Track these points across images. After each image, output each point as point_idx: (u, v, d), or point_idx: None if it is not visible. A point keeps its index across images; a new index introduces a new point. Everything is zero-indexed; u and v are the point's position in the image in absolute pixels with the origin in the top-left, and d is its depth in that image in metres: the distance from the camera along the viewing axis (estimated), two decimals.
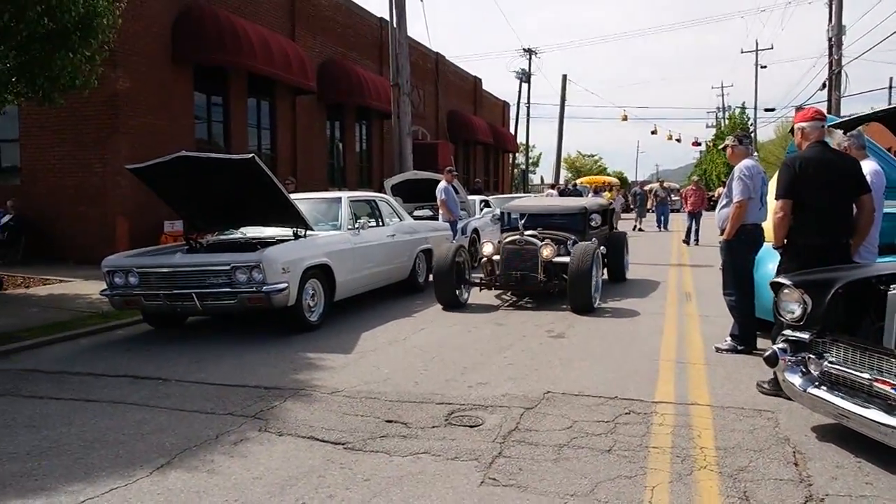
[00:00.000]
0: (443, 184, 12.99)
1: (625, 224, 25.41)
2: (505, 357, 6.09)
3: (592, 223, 9.79)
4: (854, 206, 4.88)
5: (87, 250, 11.92)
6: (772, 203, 5.88)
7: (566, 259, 8.37)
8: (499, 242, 9.03)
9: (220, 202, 7.87)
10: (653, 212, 27.04)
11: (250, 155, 7.04)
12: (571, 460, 3.75)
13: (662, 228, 24.51)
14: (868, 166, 5.20)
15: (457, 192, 13.54)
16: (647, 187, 34.66)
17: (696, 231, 18.78)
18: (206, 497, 3.36)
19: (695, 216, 19.01)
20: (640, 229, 24.66)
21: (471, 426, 4.31)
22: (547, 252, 8.46)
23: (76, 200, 12.73)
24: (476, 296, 9.21)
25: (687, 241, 18.48)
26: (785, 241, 4.94)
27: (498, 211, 11.23)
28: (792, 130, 5.17)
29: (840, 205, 4.83)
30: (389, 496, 3.35)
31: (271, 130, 17.21)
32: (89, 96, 9.93)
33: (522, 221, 9.43)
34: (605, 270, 10.42)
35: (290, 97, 17.42)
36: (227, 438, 4.15)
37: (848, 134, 5.21)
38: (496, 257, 8.89)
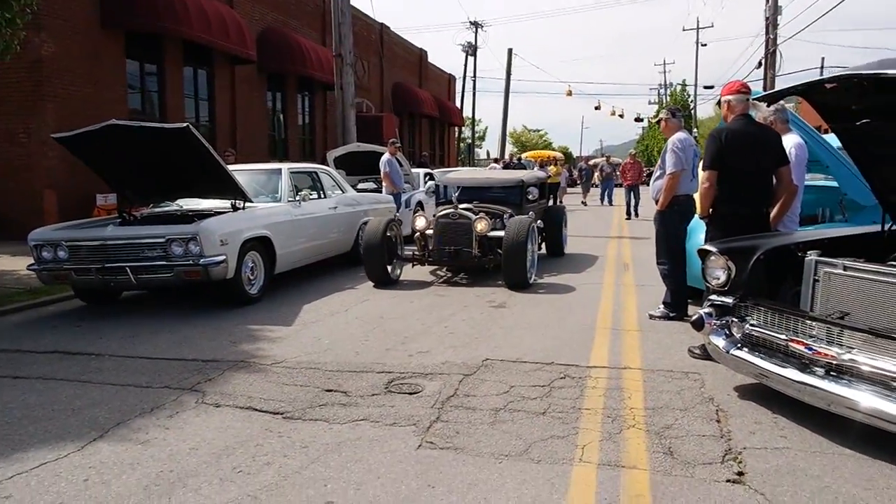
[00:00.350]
0: (386, 156, 12.92)
1: (572, 199, 25.83)
2: (446, 327, 6.17)
3: (530, 196, 9.54)
4: (773, 177, 5.09)
5: (13, 225, 11.44)
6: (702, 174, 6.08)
7: (502, 233, 8.10)
8: (433, 216, 8.81)
9: (154, 174, 7.64)
10: (597, 186, 27.44)
11: (184, 124, 6.85)
12: (507, 423, 3.85)
13: (607, 203, 24.76)
14: (792, 140, 5.42)
15: (401, 165, 13.48)
16: (591, 162, 35.16)
17: (635, 206, 18.87)
18: (139, 468, 3.33)
19: (633, 190, 19.04)
20: (584, 203, 25.10)
21: (410, 393, 4.37)
22: (481, 226, 8.19)
23: (1, 172, 12.16)
24: (409, 272, 8.98)
25: (629, 216, 18.55)
26: (710, 210, 5.14)
27: (433, 184, 10.86)
28: (719, 103, 5.34)
29: (761, 176, 5.03)
30: (327, 462, 3.38)
31: (209, 101, 16.72)
32: (11, 62, 9.44)
33: (456, 194, 9.23)
34: (543, 245, 10.34)
35: (228, 66, 16.94)
36: (163, 411, 4.11)
37: (773, 108, 5.41)
38: (429, 231, 8.60)
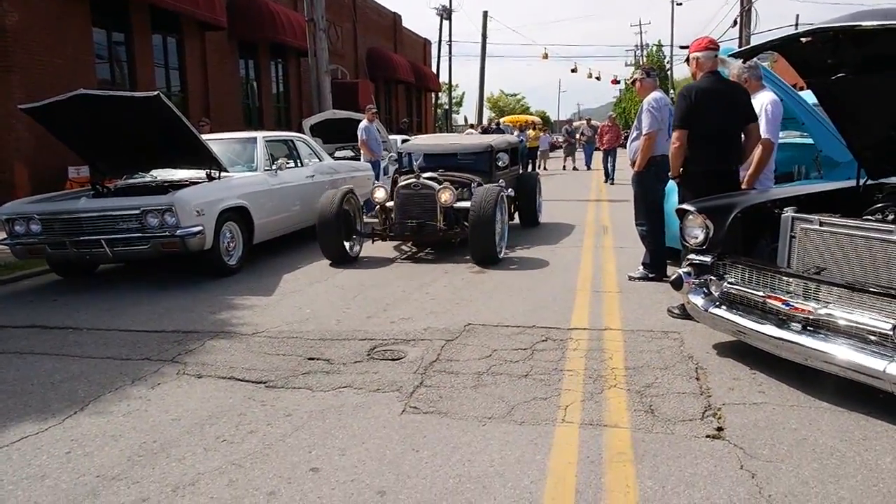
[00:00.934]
0: (364, 123, 12.77)
1: (556, 163, 25.76)
2: (427, 293, 6.17)
3: (499, 163, 8.85)
4: (742, 134, 5.09)
5: None
6: None
7: (468, 204, 7.44)
8: (393, 186, 8.20)
9: (126, 144, 7.48)
10: (580, 150, 26.57)
11: (155, 92, 6.69)
12: (490, 386, 3.88)
13: (585, 167, 24.33)
14: (766, 97, 5.41)
15: (378, 132, 13.34)
16: (575, 125, 34.78)
17: (612, 169, 18.26)
18: (122, 440, 3.31)
19: (610, 154, 18.48)
20: (574, 168, 24.56)
21: (392, 359, 4.38)
22: (445, 196, 7.54)
23: None
24: (369, 248, 8.30)
25: (607, 179, 18.07)
26: (681, 170, 5.14)
27: (395, 153, 9.90)
28: (688, 60, 5.31)
29: (730, 134, 5.04)
30: (311, 429, 3.39)
31: (180, 70, 16.35)
32: None
33: (418, 162, 8.74)
34: (517, 215, 9.93)
35: (198, 33, 16.54)
36: (144, 383, 4.08)
37: (746, 65, 5.40)
38: (390, 204, 8.00)
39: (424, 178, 7.89)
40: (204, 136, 7.80)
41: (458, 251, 7.98)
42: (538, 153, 24.86)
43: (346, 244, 7.61)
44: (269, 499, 2.75)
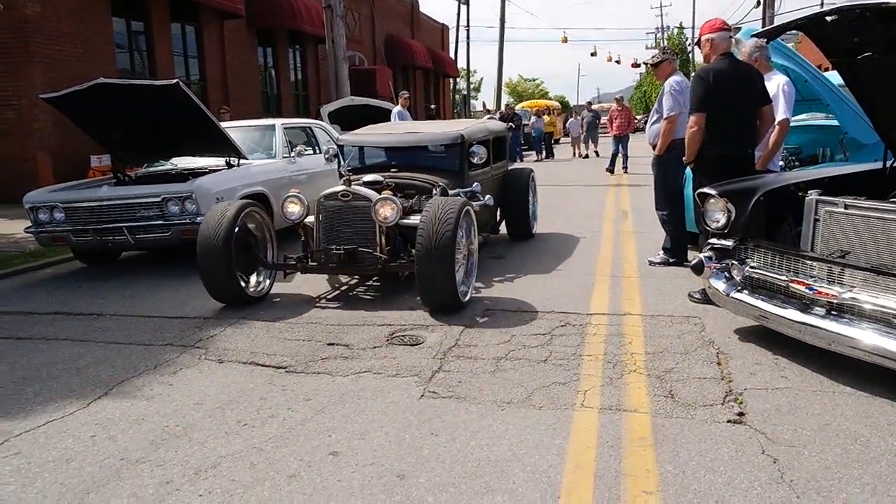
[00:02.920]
0: (397, 108, 12.79)
1: (565, 150, 25.48)
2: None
3: (474, 159, 6.35)
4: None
5: (8, 189, 11.34)
6: None
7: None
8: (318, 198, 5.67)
9: (147, 133, 7.54)
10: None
11: (174, 80, 6.73)
12: (508, 371, 3.87)
13: (588, 154, 22.63)
14: (780, 78, 5.38)
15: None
16: (593, 107, 34.06)
17: (625, 157, 16.73)
18: (145, 423, 3.36)
19: (621, 140, 16.74)
20: (587, 155, 23.11)
21: (411, 345, 4.38)
22: (385, 211, 5.25)
23: None
24: (290, 283, 5.94)
25: (611, 170, 16.25)
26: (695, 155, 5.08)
27: (333, 146, 7.25)
28: (699, 43, 5.22)
29: (747, 116, 4.98)
30: (331, 413, 3.41)
31: (199, 59, 16.44)
32: None
33: (346, 163, 6.64)
34: (504, 225, 7.91)
35: (216, 22, 16.60)
36: (166, 368, 4.12)
37: (756, 45, 5.31)
38: (311, 220, 5.68)
39: (365, 181, 5.79)
40: (223, 124, 7.84)
41: (412, 287, 5.37)
42: (571, 138, 23.95)
43: (246, 279, 5.50)
44: (290, 481, 2.78)
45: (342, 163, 6.86)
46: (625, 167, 16.66)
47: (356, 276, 6.10)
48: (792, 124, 6.34)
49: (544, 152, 23.13)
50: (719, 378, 3.68)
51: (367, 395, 3.62)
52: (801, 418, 3.17)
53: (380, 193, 5.51)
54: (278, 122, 8.82)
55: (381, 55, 27.28)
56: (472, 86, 48.06)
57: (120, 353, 4.43)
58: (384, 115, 12.92)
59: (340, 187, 5.52)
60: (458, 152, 6.52)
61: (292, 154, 8.31)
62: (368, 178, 5.87)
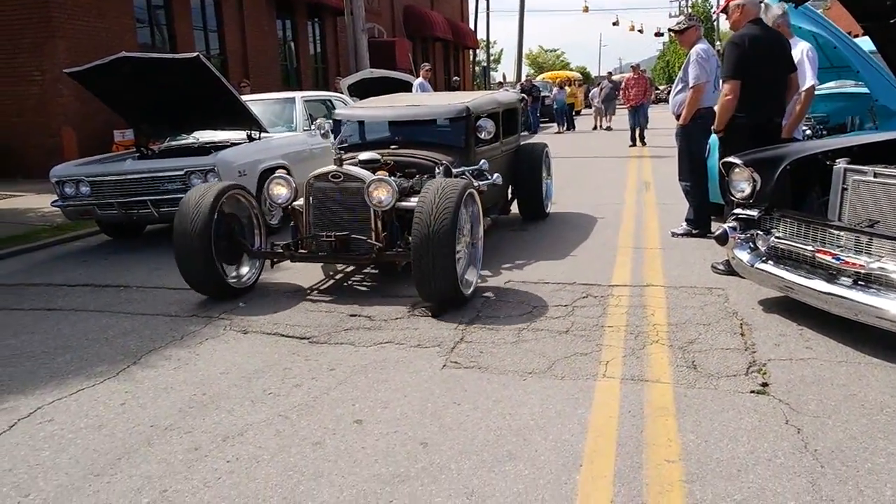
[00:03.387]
0: (419, 80, 12.74)
1: (589, 121, 25.16)
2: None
3: (482, 134, 5.85)
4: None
5: (34, 164, 11.50)
6: None
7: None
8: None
9: (168, 107, 7.57)
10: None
11: (194, 54, 6.74)
12: (530, 342, 3.89)
13: (604, 127, 21.88)
14: (803, 45, 5.33)
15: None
16: (614, 77, 33.30)
17: (641, 129, 15.95)
18: (173, 392, 3.43)
19: (637, 111, 15.96)
20: (610, 128, 22.27)
21: (433, 316, 4.40)
22: (380, 193, 4.74)
23: (17, 112, 12.16)
24: (279, 271, 5.60)
25: (633, 143, 15.72)
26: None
27: (323, 121, 6.58)
28: (725, 10, 5.10)
29: (777, 84, 4.90)
30: (355, 383, 3.45)
31: (219, 33, 16.42)
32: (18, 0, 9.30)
33: (336, 139, 5.77)
34: (516, 204, 7.32)
35: None
36: (192, 339, 4.19)
37: (780, 11, 5.20)
38: (300, 204, 5.17)
39: (361, 159, 5.25)
40: (243, 97, 7.85)
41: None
42: (593, 108, 23.10)
43: (228, 269, 5.05)
44: (315, 448, 2.83)
45: (345, 139, 6.19)
46: (642, 139, 15.84)
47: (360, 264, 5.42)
48: (820, 92, 6.24)
49: (566, 124, 22.84)
50: (743, 349, 3.66)
51: (389, 365, 3.66)
52: (825, 389, 3.15)
53: (374, 173, 5.05)
54: (298, 95, 8.82)
55: (401, 27, 27.05)
56: (491, 57, 47.49)
57: (147, 324, 4.51)
58: (404, 88, 12.84)
59: (331, 167, 4.99)
60: (464, 126, 5.89)
61: (312, 127, 8.31)
62: (364, 156, 5.29)
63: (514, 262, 5.68)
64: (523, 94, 18.45)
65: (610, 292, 4.74)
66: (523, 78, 30.55)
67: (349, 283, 5.39)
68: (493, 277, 5.21)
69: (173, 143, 8.33)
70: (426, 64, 13.51)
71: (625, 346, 3.77)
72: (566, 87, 25.25)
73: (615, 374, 3.43)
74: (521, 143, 7.45)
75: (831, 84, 6.99)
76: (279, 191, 5.20)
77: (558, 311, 4.40)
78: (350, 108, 6.72)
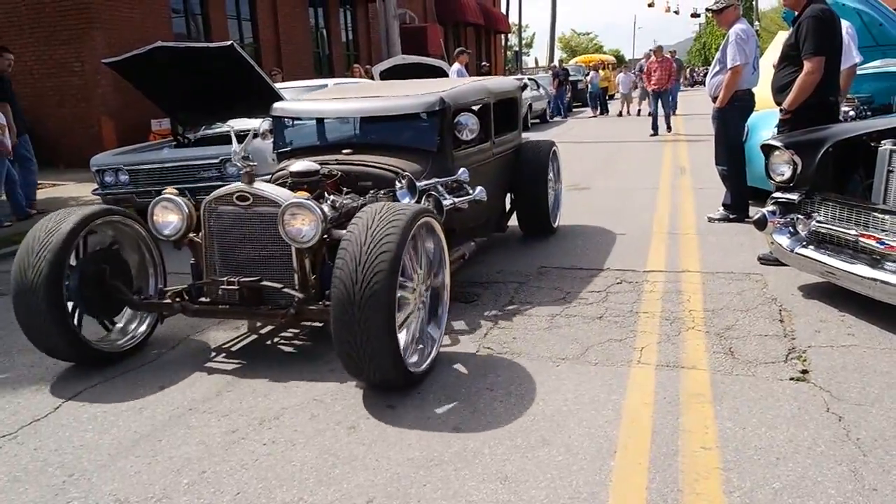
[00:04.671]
0: (456, 66, 12.75)
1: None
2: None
3: (463, 134, 4.61)
4: None
5: (74, 153, 11.75)
6: (765, 67, 5.75)
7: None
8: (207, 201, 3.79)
9: (203, 95, 7.66)
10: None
11: (229, 42, 6.80)
12: (563, 328, 3.86)
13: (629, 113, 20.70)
14: (843, 22, 5.20)
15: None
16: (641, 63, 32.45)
17: (667, 115, 14.73)
18: (210, 377, 3.49)
19: (661, 96, 14.66)
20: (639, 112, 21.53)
21: (466, 302, 4.40)
22: (299, 223, 3.42)
23: (58, 102, 12.42)
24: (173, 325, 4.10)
25: (655, 131, 14.42)
26: None
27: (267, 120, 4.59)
28: None
29: (839, 61, 4.79)
30: None
31: (252, 21, 16.54)
32: None
33: (239, 149, 3.87)
34: (515, 217, 5.89)
35: None
36: (227, 326, 4.26)
37: None
38: (198, 237, 3.81)
39: (293, 170, 3.95)
40: (276, 85, 7.90)
41: None
42: (620, 96, 22.33)
43: (110, 325, 3.88)
44: (350, 432, 2.86)
45: (286, 141, 4.95)
46: (668, 126, 14.69)
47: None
48: (864, 71, 6.05)
49: (599, 108, 22.55)
50: (782, 335, 3.59)
51: None
52: (868, 376, 3.08)
53: (311, 191, 3.66)
54: (331, 82, 8.85)
55: (432, 12, 26.92)
56: (524, 42, 47.01)
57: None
58: (437, 74, 12.79)
59: (236, 185, 3.63)
60: (437, 125, 4.46)
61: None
62: (298, 166, 3.93)
63: (546, 247, 5.64)
64: (529, 80, 18.14)
65: (644, 278, 4.68)
66: (556, 61, 30.20)
67: (275, 338, 3.97)
68: (524, 263, 5.18)
69: (208, 131, 8.43)
70: (463, 49, 13.41)
71: (660, 333, 3.72)
72: (600, 71, 24.94)
73: (650, 360, 3.39)
74: (523, 140, 6.02)
75: (876, 63, 6.77)
76: (166, 218, 3.71)
77: (592, 297, 4.36)
78: (291, 102, 5.15)
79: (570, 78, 23.77)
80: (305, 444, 2.79)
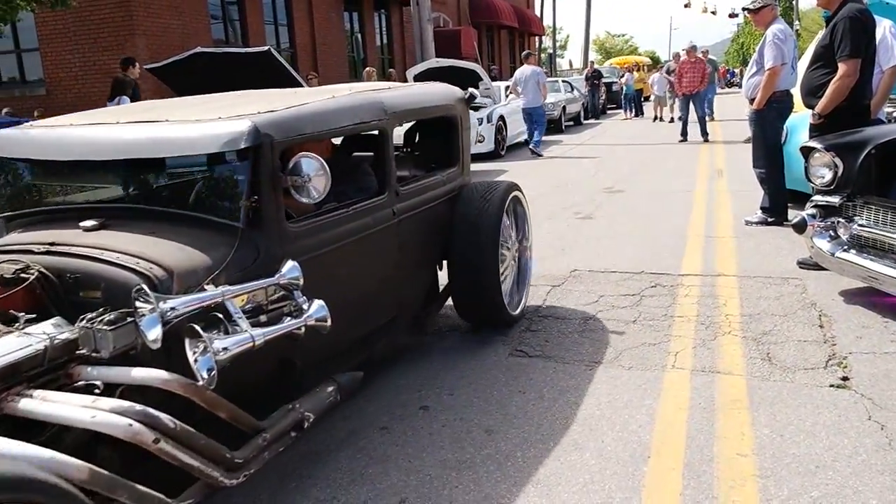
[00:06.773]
0: (531, 68, 13.09)
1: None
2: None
3: (303, 194, 2.45)
4: None
5: None
6: (803, 68, 5.63)
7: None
8: None
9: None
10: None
11: (266, 47, 6.93)
12: (597, 332, 3.84)
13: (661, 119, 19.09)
14: (885, 21, 5.11)
15: (481, 80, 13.19)
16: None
17: (701, 120, 13.21)
18: None
19: (692, 100, 13.39)
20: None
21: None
22: None
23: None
24: None
25: (684, 137, 13.28)
26: None
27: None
28: None
29: (874, 64, 4.69)
30: (419, 370, 3.49)
31: (289, 27, 16.82)
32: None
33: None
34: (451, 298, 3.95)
35: None
36: None
37: None
38: None
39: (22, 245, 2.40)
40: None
41: None
42: (654, 98, 21.20)
43: None
44: (383, 434, 2.88)
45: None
46: (703, 133, 13.07)
47: None
48: None
49: (634, 110, 22.32)
50: (822, 341, 3.52)
51: (454, 352, 3.68)
52: None
53: None
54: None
55: (466, 15, 26.98)
56: (558, 44, 46.81)
57: None
58: (471, 77, 12.80)
59: None
60: (247, 175, 2.44)
61: None
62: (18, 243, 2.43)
63: (578, 249, 5.62)
64: (563, 83, 18.24)
65: (679, 282, 4.63)
66: (589, 63, 30.00)
67: None
68: (556, 266, 5.17)
69: None
70: (529, 52, 13.49)
71: (695, 337, 3.68)
72: (635, 73, 24.66)
73: (685, 364, 3.35)
74: (470, 180, 3.97)
75: None
76: None
77: (625, 300, 4.33)
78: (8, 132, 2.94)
79: (604, 80, 23.59)
80: (339, 445, 2.82)
